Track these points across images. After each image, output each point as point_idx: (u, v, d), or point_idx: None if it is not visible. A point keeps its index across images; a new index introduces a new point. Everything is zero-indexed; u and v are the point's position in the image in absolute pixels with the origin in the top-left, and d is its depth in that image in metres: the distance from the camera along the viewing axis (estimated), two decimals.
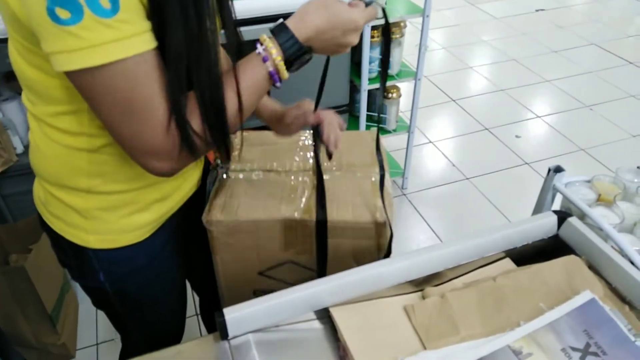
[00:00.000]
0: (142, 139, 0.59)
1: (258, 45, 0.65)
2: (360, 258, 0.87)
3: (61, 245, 0.79)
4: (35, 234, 1.38)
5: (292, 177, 0.92)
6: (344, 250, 0.86)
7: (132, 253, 0.79)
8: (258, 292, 0.93)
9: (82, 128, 0.67)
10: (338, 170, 0.94)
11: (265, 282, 0.91)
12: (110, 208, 0.74)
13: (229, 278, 0.91)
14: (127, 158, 0.67)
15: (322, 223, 0.82)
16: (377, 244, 0.85)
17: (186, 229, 0.89)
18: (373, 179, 0.91)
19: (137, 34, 0.54)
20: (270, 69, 0.65)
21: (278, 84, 0.67)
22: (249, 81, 0.65)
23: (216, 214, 0.83)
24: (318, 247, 0.85)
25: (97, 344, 1.61)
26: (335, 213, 0.83)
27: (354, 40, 0.69)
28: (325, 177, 0.88)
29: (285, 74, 0.66)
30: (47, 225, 0.79)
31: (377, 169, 0.94)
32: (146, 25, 0.55)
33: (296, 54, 0.66)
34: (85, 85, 0.55)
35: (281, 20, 0.66)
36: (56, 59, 0.53)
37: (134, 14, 0.54)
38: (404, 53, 1.92)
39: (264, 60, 0.65)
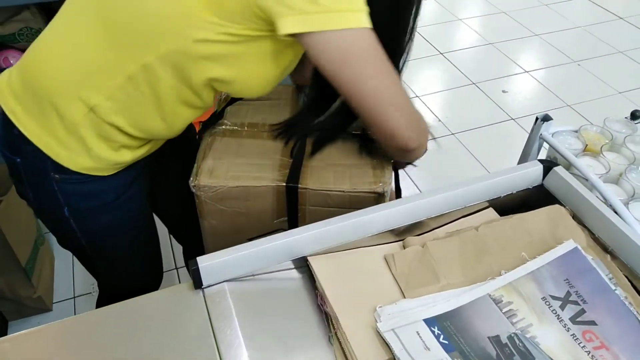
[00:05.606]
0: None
1: None
2: None
3: (19, 168, 0.74)
4: (4, 185, 1.33)
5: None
6: None
7: (99, 187, 0.76)
8: None
9: None
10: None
11: None
12: (99, 135, 0.71)
13: (217, 243, 0.87)
14: (153, 109, 0.68)
15: (293, 190, 0.78)
16: None
17: (155, 167, 0.87)
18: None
19: (364, 10, 0.58)
20: None
21: None
22: None
23: (204, 179, 0.76)
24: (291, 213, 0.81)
25: (74, 297, 1.59)
26: (333, 181, 0.78)
27: None
28: None
29: None
30: (13, 127, 0.71)
31: None
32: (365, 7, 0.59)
33: None
34: (320, 50, 0.58)
35: None
36: (288, 21, 0.56)
37: None
38: None
39: None
